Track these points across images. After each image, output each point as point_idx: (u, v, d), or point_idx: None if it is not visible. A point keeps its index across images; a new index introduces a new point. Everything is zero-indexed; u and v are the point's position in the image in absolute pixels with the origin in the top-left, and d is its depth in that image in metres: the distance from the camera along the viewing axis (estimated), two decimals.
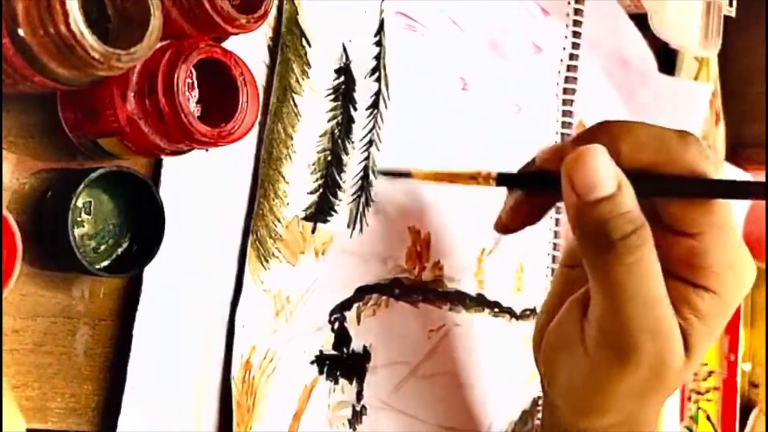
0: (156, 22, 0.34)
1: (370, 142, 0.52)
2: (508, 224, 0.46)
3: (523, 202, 0.45)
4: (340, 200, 0.51)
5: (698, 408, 0.89)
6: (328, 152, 0.50)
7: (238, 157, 0.46)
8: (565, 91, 0.63)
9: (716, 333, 0.43)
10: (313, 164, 0.49)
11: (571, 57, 0.66)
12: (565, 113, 0.63)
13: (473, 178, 0.44)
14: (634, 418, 0.44)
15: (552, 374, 0.45)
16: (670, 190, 0.41)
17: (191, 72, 0.39)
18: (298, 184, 0.49)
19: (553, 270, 0.64)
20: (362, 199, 0.52)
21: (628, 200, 0.39)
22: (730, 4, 0.80)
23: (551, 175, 0.42)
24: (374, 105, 0.52)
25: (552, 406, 0.47)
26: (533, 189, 0.45)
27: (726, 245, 0.41)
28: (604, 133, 0.41)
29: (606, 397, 0.42)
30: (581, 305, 0.43)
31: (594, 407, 0.43)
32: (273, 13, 0.47)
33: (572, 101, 0.64)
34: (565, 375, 0.44)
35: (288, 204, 0.48)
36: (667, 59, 0.86)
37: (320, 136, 0.50)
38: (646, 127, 0.41)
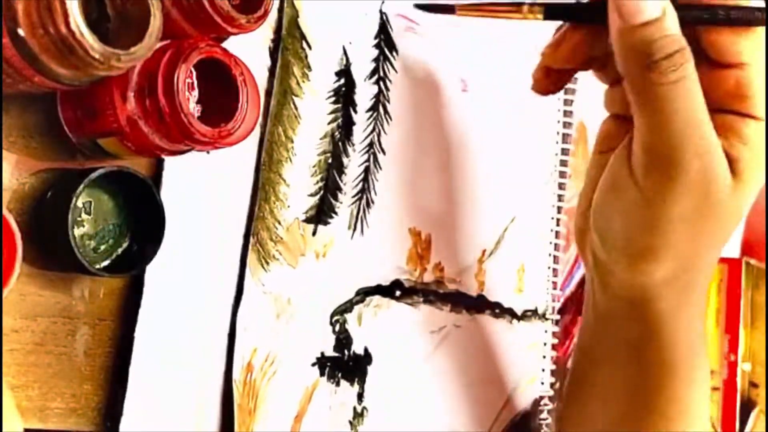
0: (156, 22, 0.34)
1: (371, 145, 0.52)
2: (553, 60, 0.47)
3: (569, 37, 0.46)
4: (341, 202, 0.51)
5: None
6: (328, 154, 0.50)
7: (239, 159, 0.46)
8: (566, 91, 0.62)
9: (762, 160, 0.44)
10: (314, 166, 0.49)
11: None
12: (565, 113, 0.63)
13: (517, 10, 0.45)
14: (688, 267, 0.45)
15: (606, 233, 0.46)
16: (714, 19, 0.42)
17: (191, 72, 0.40)
18: (298, 186, 0.49)
19: (554, 270, 0.64)
20: (363, 201, 0.52)
21: (672, 24, 0.41)
22: None
23: (596, 5, 0.43)
24: (374, 107, 0.52)
25: (608, 276, 0.47)
26: (579, 20, 0.46)
27: None
28: None
29: (660, 229, 0.43)
30: (626, 148, 0.44)
31: (650, 250, 0.44)
32: (274, 15, 0.47)
33: (572, 101, 0.63)
34: (619, 222, 0.45)
35: (289, 206, 0.48)
36: None
37: (321, 139, 0.50)
38: None
